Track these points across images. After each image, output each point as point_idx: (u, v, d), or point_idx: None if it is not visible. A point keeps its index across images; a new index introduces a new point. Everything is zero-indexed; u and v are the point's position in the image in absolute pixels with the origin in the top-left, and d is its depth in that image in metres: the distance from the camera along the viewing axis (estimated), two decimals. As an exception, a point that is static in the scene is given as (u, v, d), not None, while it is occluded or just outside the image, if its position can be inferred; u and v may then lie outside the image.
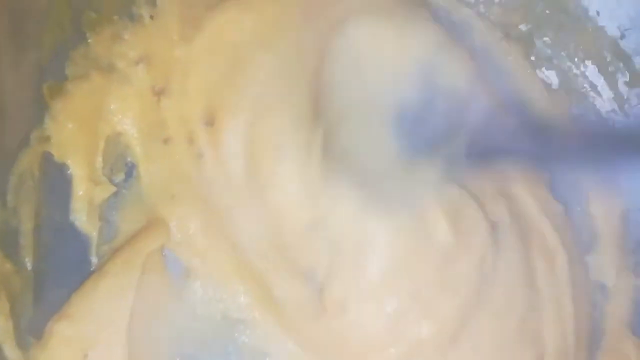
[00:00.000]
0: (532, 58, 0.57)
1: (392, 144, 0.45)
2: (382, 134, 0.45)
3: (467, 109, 0.45)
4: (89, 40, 0.48)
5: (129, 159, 0.50)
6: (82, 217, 0.48)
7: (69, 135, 0.47)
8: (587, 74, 0.55)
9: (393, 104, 0.46)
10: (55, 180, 0.47)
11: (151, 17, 0.50)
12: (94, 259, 0.49)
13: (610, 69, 0.54)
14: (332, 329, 0.46)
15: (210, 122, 0.49)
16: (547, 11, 0.56)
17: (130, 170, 0.50)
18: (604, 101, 0.55)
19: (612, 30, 0.53)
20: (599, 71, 0.54)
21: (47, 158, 0.47)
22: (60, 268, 0.47)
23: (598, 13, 0.53)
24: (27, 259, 0.45)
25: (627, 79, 0.54)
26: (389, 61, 0.47)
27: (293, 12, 0.49)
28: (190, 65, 0.49)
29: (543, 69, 0.57)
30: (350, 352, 0.46)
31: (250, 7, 0.49)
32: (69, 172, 0.48)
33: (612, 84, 0.54)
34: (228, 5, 0.49)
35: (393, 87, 0.46)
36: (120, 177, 0.50)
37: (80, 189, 0.48)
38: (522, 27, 0.56)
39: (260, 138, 0.47)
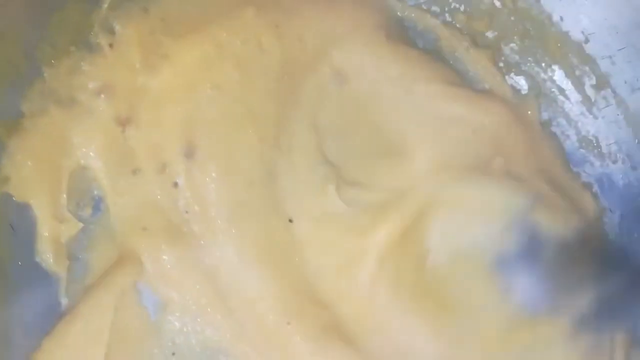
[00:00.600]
0: (501, 64, 0.57)
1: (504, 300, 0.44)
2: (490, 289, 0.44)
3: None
4: (45, 75, 0.46)
5: (95, 193, 0.49)
6: (48, 258, 0.46)
7: (29, 174, 0.46)
8: (554, 78, 0.55)
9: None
10: (16, 221, 0.46)
11: (110, 45, 0.48)
12: (65, 300, 0.47)
13: (577, 72, 0.54)
14: None
15: (189, 153, 0.48)
16: (512, 18, 0.56)
17: (97, 204, 0.49)
18: (572, 104, 0.56)
19: (577, 35, 0.53)
20: (566, 75, 0.55)
21: (6, 199, 0.45)
22: (28, 312, 0.45)
23: (562, 18, 0.54)
24: (-10, 306, 0.44)
25: (594, 82, 0.54)
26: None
27: (274, 58, 0.49)
28: (162, 95, 0.48)
29: (512, 74, 0.57)
30: None
31: (227, 48, 0.49)
32: (31, 212, 0.46)
33: (579, 87, 0.55)
34: (201, 41, 0.48)
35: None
36: (87, 212, 0.48)
37: (45, 230, 0.46)
38: (489, 35, 0.57)
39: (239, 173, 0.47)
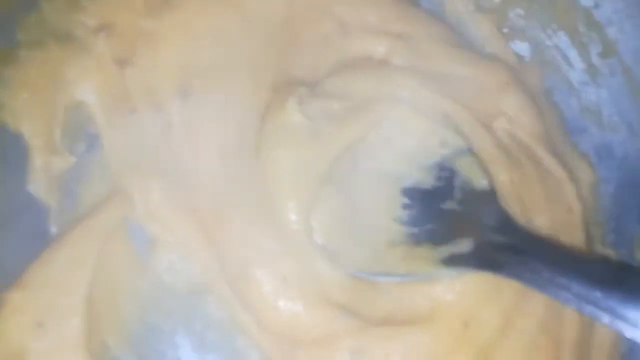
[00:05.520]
0: (505, 30, 0.56)
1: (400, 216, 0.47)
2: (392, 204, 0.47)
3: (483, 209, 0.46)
4: (43, 6, 0.46)
5: (91, 130, 0.49)
6: (39, 188, 0.47)
7: (24, 104, 0.46)
8: (560, 45, 0.54)
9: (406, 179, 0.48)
10: (10, 149, 0.46)
11: (112, -17, 0.48)
12: (54, 229, 0.48)
13: (583, 39, 0.53)
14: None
15: (184, 95, 0.48)
16: (520, -19, 0.54)
17: (92, 141, 0.50)
18: (576, 73, 0.54)
19: (586, 0, 0.52)
20: (571, 42, 0.53)
21: (1, 126, 0.46)
22: (18, 238, 0.46)
23: (572, -18, 0.52)
24: (-19, 229, 0.45)
25: (600, 50, 0.53)
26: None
27: (277, 8, 0.50)
28: (162, 38, 0.49)
29: (516, 40, 0.56)
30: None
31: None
32: (24, 142, 0.47)
33: (585, 55, 0.53)
34: None
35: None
36: (81, 147, 0.49)
37: (37, 160, 0.47)
38: (495, -1, 0.55)
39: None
